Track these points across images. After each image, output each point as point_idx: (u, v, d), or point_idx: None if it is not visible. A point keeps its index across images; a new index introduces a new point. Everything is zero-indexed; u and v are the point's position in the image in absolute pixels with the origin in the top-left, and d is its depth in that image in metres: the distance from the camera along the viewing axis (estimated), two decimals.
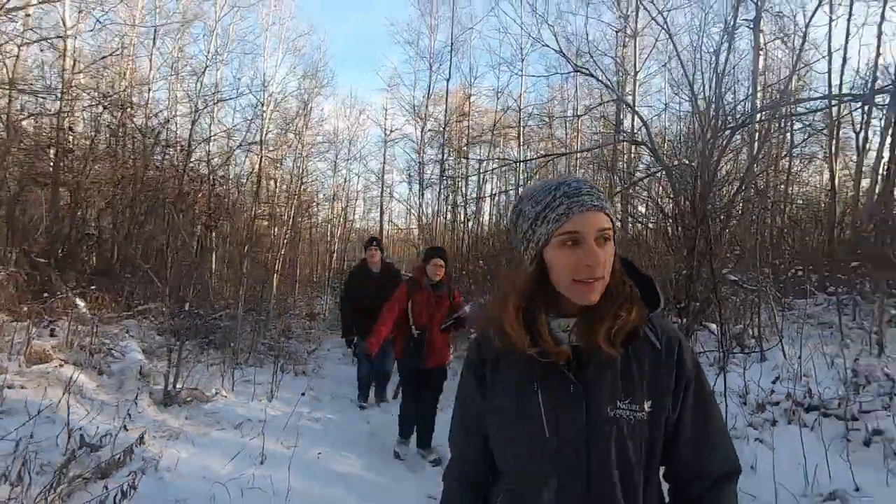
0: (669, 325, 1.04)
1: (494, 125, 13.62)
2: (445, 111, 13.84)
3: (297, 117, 15.21)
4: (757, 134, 6.94)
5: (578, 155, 10.66)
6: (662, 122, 10.75)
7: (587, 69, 8.28)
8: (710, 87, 6.09)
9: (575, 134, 13.45)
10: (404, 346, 4.09)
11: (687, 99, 7.68)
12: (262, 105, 14.46)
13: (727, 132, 5.58)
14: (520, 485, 1.00)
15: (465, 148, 13.77)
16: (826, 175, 9.87)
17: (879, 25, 8.80)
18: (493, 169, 12.47)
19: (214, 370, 5.48)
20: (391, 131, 17.98)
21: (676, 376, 0.98)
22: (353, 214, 21.30)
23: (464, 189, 13.64)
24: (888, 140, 9.28)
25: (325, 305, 14.51)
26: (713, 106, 6.25)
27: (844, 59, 8.90)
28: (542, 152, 11.83)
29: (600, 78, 8.53)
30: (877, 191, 9.26)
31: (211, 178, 10.06)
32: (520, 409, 0.98)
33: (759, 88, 8.52)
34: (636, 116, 7.29)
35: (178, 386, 4.51)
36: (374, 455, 4.10)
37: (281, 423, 4.28)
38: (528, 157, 11.47)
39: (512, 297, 0.98)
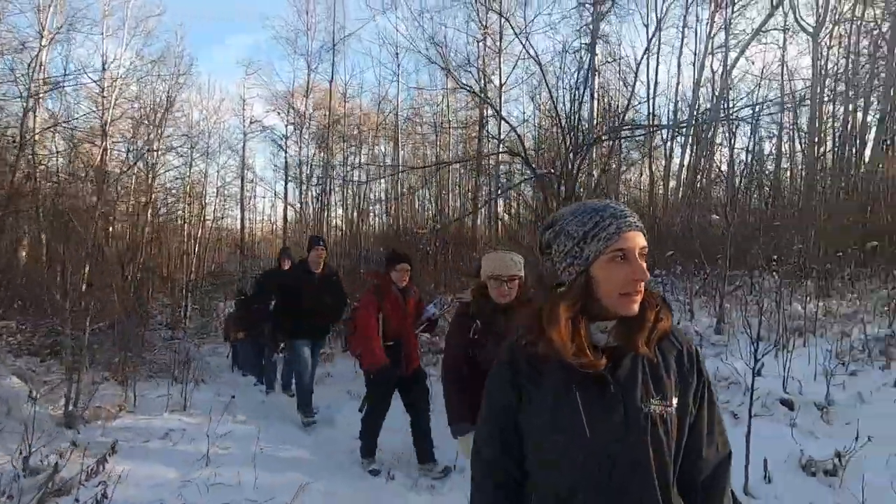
0: (682, 330, 1.16)
1: (377, 127, 13.96)
2: (329, 112, 13.77)
3: (148, 106, 13.80)
4: (604, 149, 8.51)
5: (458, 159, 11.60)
6: (526, 129, 12.20)
7: (469, 87, 9.14)
8: (569, 107, 7.30)
9: (448, 139, 14.44)
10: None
11: (550, 117, 8.98)
12: (104, 91, 12.85)
13: (584, 148, 6.83)
14: (561, 480, 1.05)
15: (372, 151, 13.89)
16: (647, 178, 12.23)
17: (679, 64, 11.21)
18: (397, 172, 12.80)
19: (105, 386, 5.13)
20: (252, 122, 17.30)
21: (696, 374, 1.09)
22: (220, 213, 19.82)
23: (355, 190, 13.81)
24: (687, 153, 11.90)
25: (186, 312, 13.50)
26: (570, 121, 7.49)
27: (655, 86, 11.20)
28: (421, 155, 12.54)
29: (478, 93, 9.48)
30: (679, 193, 11.85)
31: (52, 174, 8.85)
32: (560, 410, 1.04)
33: (600, 105, 10.25)
34: (513, 130, 8.35)
35: (79, 405, 4.23)
36: (320, 448, 4.34)
37: (203, 430, 4.31)
38: (427, 165, 12.12)
39: (563, 309, 1.03)
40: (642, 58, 10.09)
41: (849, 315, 4.92)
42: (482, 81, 13.27)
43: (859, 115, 10.11)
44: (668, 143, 12.40)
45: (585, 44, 13.27)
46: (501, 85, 13.06)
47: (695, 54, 12.29)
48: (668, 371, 1.05)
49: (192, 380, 6.04)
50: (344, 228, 12.03)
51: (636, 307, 1.01)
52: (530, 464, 1.10)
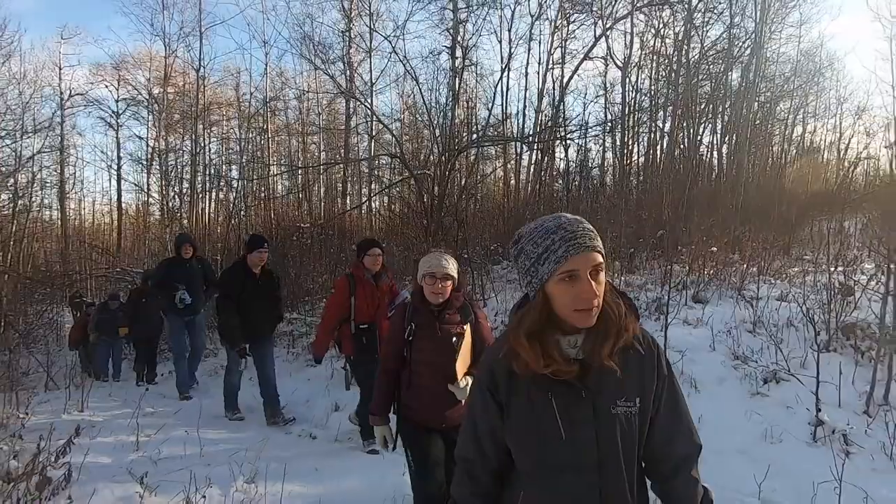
0: (647, 334, 1.20)
1: (251, 118, 13.63)
2: (198, 98, 13.04)
3: None
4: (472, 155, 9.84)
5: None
6: (400, 129, 13.08)
7: (347, 91, 9.71)
8: (439, 114, 8.41)
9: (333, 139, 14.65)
10: (356, 345, 3.97)
11: (422, 121, 10.01)
12: None
13: (454, 153, 8.01)
14: (541, 479, 1.14)
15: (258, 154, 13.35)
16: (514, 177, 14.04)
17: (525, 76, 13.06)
18: (282, 172, 12.62)
19: None
20: (71, 95, 15.49)
21: (657, 377, 1.17)
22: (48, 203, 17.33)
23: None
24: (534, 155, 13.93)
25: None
26: (441, 128, 8.62)
27: (506, 95, 12.93)
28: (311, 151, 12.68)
29: (358, 97, 10.10)
30: (528, 188, 13.89)
31: None
32: (538, 417, 1.12)
33: (466, 112, 11.60)
34: (387, 130, 9.20)
35: None
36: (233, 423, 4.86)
37: (114, 425, 4.56)
38: (322, 163, 12.26)
39: (523, 326, 1.11)
40: (503, 73, 11.62)
41: (640, 285, 6.83)
42: (347, 72, 13.82)
43: (660, 129, 13.00)
44: (518, 147, 14.43)
45: (447, 46, 14.61)
46: (373, 84, 13.77)
47: (538, 72, 14.35)
48: (632, 375, 1.13)
49: (71, 385, 5.97)
50: (220, 223, 11.68)
51: (592, 321, 1.07)
52: (516, 469, 1.18)
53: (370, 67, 13.55)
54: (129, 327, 7.31)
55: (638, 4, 11.88)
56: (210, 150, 15.32)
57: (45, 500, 2.78)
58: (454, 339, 2.27)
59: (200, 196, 14.40)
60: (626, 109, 12.45)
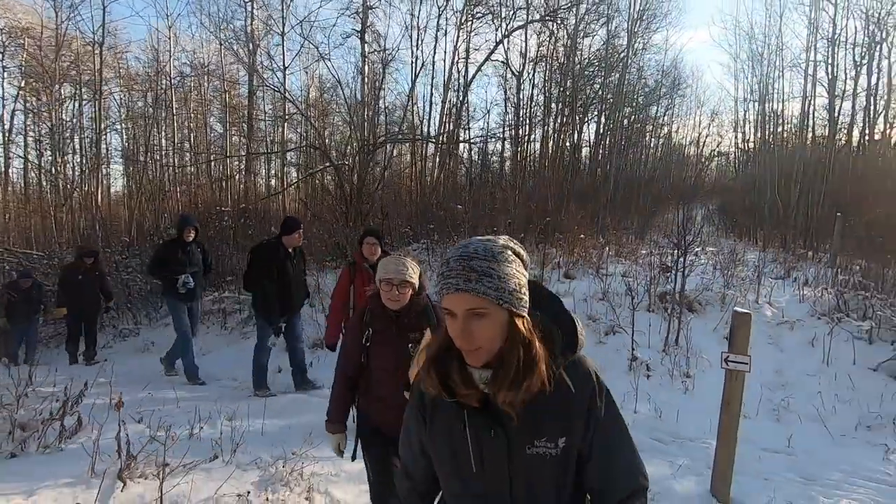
0: (585, 368, 1.09)
1: (158, 97, 13.18)
2: (99, 73, 12.31)
3: None
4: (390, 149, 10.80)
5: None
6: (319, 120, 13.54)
7: (275, 86, 10.12)
8: (356, 109, 9.28)
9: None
10: None
11: (338, 111, 10.76)
12: None
13: (373, 147, 8.97)
14: None
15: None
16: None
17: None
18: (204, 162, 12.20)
19: None
20: None
21: (588, 414, 1.07)
22: None
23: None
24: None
25: None
26: (360, 116, 9.50)
27: (412, 90, 13.99)
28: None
29: (279, 89, 10.53)
30: (434, 176, 15.18)
31: None
32: (452, 447, 1.11)
33: (382, 108, 12.46)
34: (305, 118, 9.85)
35: None
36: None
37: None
38: (233, 154, 12.25)
39: (424, 353, 1.13)
40: (418, 73, 12.59)
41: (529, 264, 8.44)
42: (250, 45, 13.90)
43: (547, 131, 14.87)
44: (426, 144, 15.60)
45: (356, 30, 15.20)
46: (285, 67, 14.04)
47: (444, 66, 15.49)
48: (557, 412, 1.04)
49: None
50: (133, 204, 11.39)
51: (478, 362, 1.02)
52: (441, 485, 1.20)
53: (283, 51, 13.83)
54: (65, 306, 7.00)
55: (532, 18, 13.46)
56: (109, 124, 14.51)
57: (66, 440, 3.51)
58: (410, 345, 2.16)
59: (95, 173, 13.67)
60: (521, 110, 14.14)
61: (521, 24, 13.84)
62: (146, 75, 14.72)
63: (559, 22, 13.72)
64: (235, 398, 5.03)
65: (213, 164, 12.98)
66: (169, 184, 12.15)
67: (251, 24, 13.95)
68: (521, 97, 14.39)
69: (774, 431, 4.44)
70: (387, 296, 2.21)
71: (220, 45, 14.92)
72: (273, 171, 13.87)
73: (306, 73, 15.29)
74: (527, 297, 1.07)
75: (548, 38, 15.03)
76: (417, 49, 14.76)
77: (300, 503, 2.97)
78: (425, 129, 14.82)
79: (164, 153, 13.80)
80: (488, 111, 15.81)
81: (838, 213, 9.72)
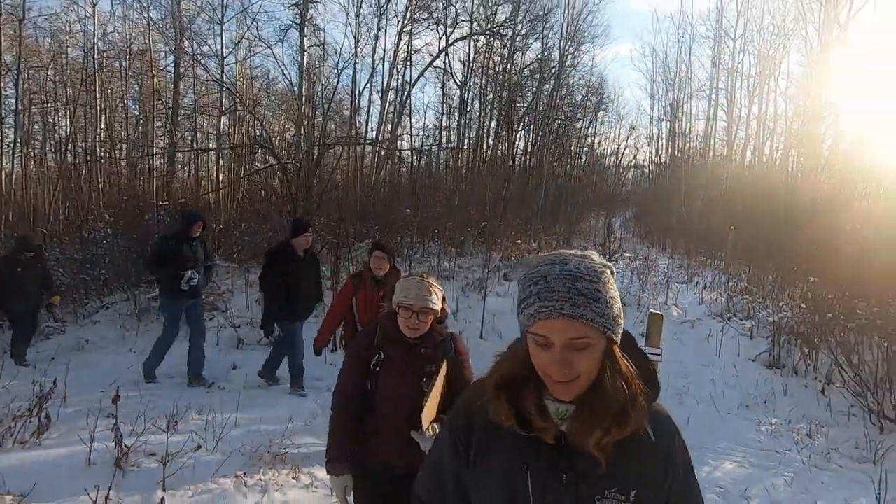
0: (665, 416, 0.99)
1: (87, 79, 12.29)
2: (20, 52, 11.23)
3: None
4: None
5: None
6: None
7: (182, 50, 9.94)
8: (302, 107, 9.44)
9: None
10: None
11: (292, 115, 10.80)
12: None
13: (319, 149, 9.19)
14: None
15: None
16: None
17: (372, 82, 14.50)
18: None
19: None
20: None
21: (665, 469, 0.96)
22: None
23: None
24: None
25: None
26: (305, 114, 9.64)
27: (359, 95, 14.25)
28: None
29: (217, 80, 10.36)
30: (374, 177, 15.51)
31: None
32: (508, 491, 0.95)
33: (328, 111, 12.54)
34: (251, 115, 9.85)
35: None
36: None
37: None
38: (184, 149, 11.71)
39: (498, 372, 0.97)
40: (358, 72, 12.80)
41: (468, 266, 9.10)
42: (177, 27, 13.40)
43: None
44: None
45: (296, 23, 15.11)
46: (223, 57, 13.68)
47: (383, 76, 15.76)
48: (633, 462, 0.94)
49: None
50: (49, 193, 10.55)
51: (569, 396, 0.90)
52: None
53: (221, 43, 13.46)
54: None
55: (473, 32, 14.16)
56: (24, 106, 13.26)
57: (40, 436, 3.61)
58: (424, 379, 1.92)
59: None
60: (462, 116, 14.83)
61: (463, 35, 14.48)
62: (60, 52, 13.70)
63: (501, 38, 14.53)
64: (196, 394, 5.17)
65: (138, 156, 12.37)
66: (93, 175, 11.46)
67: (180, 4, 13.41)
68: (461, 104, 15.08)
69: (677, 412, 5.12)
70: (405, 322, 1.94)
71: (149, 25, 14.23)
72: (204, 167, 13.41)
73: (242, 65, 14.96)
74: (622, 328, 0.94)
75: (485, 48, 15.79)
76: (357, 48, 14.98)
77: (289, 482, 3.33)
78: (364, 130, 15.08)
79: (88, 141, 12.96)
80: (425, 113, 16.32)
81: (732, 227, 11.30)
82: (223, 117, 14.15)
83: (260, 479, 3.26)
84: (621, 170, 27.19)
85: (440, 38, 14.69)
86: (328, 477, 2.01)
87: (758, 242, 11.62)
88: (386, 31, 15.52)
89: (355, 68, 14.51)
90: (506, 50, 15.68)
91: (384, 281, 3.89)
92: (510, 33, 15.57)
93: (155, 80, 14.62)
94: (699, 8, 35.51)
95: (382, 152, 14.49)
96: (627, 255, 11.81)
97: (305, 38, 14.35)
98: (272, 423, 4.40)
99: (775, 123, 17.67)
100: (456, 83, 14.98)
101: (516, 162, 16.67)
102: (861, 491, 3.88)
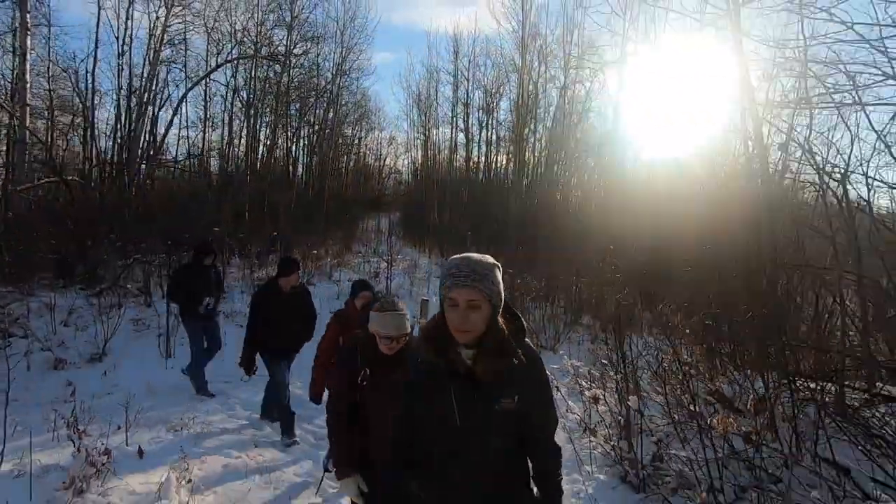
0: (532, 349, 1.58)
1: None
2: None
3: None
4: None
5: None
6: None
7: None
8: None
9: None
10: None
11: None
12: None
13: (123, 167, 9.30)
14: (437, 458, 1.56)
15: None
16: None
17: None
18: None
19: None
20: None
21: (534, 382, 1.56)
22: None
23: None
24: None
25: None
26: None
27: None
28: None
29: None
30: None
31: None
32: (440, 405, 1.52)
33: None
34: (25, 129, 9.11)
35: None
36: None
37: None
38: None
39: (427, 328, 1.57)
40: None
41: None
42: None
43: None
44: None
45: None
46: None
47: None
48: (513, 379, 1.51)
49: None
50: None
51: (466, 339, 1.47)
52: (423, 439, 1.60)
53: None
54: None
55: (259, 54, 15.09)
56: None
57: None
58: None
59: None
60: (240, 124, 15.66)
61: (241, 56, 15.17)
62: None
63: (279, 59, 15.73)
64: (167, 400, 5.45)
65: None
66: None
67: None
68: (236, 113, 15.84)
69: None
70: (384, 347, 2.23)
71: None
72: None
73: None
74: (503, 301, 1.52)
75: (264, 66, 16.58)
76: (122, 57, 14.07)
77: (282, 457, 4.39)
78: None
79: None
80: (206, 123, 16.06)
81: (469, 233, 15.23)
82: None
83: (259, 454, 4.14)
84: (384, 178, 30.76)
85: (216, 55, 15.07)
86: (339, 484, 2.24)
87: (489, 237, 15.75)
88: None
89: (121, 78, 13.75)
90: (278, 65, 16.51)
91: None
92: (282, 47, 16.50)
93: None
94: (446, 45, 41.16)
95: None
96: (398, 256, 14.70)
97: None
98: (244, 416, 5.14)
99: (498, 145, 23.17)
100: (242, 101, 15.60)
101: (300, 177, 18.08)
102: None
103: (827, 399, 3.62)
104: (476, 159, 23.61)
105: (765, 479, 3.12)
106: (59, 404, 4.81)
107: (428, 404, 1.56)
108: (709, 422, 3.20)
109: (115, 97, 12.55)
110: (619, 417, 3.72)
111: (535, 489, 1.64)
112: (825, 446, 3.13)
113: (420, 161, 25.96)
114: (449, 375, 1.51)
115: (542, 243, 12.20)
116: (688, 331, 5.40)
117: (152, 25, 13.03)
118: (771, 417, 3.67)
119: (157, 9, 13.10)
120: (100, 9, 12.23)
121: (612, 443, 3.69)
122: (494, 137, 22.89)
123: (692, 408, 3.33)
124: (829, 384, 3.77)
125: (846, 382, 3.80)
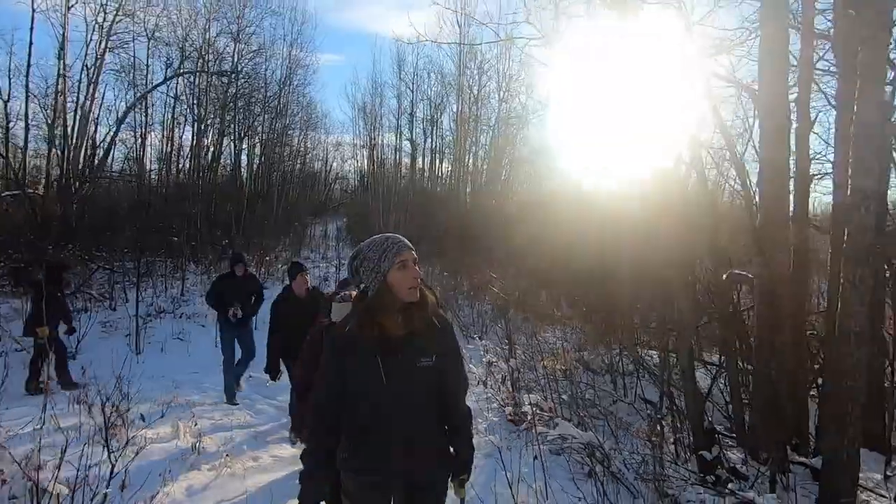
0: (444, 316, 1.90)
1: None
2: None
3: None
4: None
5: None
6: None
7: None
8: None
9: None
10: None
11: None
12: None
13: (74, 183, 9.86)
14: (368, 416, 1.76)
15: None
16: None
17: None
18: None
19: None
20: None
21: (446, 347, 1.84)
22: None
23: None
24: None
25: None
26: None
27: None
28: None
29: None
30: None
31: None
32: (368, 368, 1.74)
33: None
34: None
35: None
36: None
37: None
38: None
39: (370, 308, 1.75)
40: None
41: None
42: None
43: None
44: None
45: None
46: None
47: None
48: (431, 341, 1.78)
49: None
50: None
51: (418, 294, 1.75)
52: (354, 401, 1.78)
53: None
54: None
55: (183, 72, 15.63)
56: None
57: None
58: None
59: None
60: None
61: (191, 71, 15.72)
62: None
63: (228, 74, 16.38)
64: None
65: None
66: None
67: None
68: (178, 120, 16.25)
69: None
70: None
71: None
72: None
73: None
74: None
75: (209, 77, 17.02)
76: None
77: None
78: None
79: None
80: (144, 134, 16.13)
81: (412, 238, 16.46)
82: None
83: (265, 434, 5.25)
84: (331, 183, 31.23)
85: (167, 67, 15.55)
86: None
87: (431, 242, 17.03)
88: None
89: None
90: (225, 77, 17.03)
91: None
92: (233, 72, 17.09)
93: None
94: (390, 56, 41.90)
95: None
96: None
97: None
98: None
99: (444, 151, 24.58)
100: (191, 111, 16.04)
101: (247, 184, 18.61)
102: None
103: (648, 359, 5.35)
104: (421, 166, 24.82)
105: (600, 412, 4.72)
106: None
107: (354, 368, 1.78)
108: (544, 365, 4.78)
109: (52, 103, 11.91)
110: (505, 375, 5.25)
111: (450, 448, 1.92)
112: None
113: (366, 167, 26.81)
114: (378, 342, 1.75)
115: (478, 247, 13.68)
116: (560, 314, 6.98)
117: (90, 33, 12.98)
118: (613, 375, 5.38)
119: (96, 14, 13.00)
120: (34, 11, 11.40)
121: (500, 395, 5.20)
122: (439, 144, 24.22)
123: (544, 365, 4.91)
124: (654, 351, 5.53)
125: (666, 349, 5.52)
